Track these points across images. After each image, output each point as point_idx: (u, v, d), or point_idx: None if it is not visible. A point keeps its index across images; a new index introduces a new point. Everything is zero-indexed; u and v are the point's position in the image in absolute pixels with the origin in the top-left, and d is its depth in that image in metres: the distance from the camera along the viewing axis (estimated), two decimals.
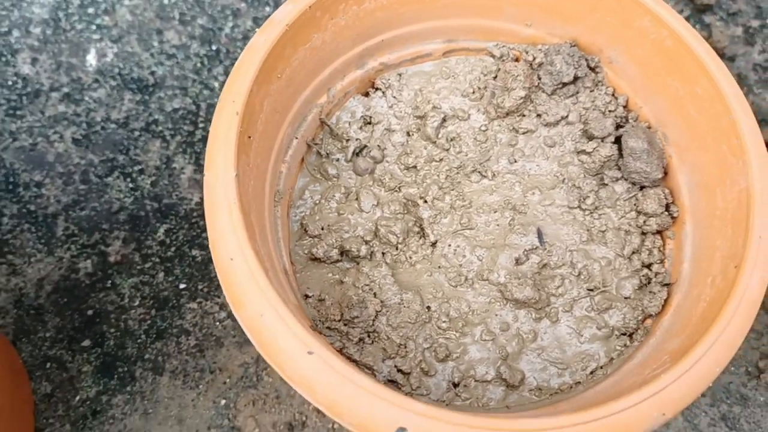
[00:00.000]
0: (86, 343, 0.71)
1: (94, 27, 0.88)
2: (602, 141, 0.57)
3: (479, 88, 0.61)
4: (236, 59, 0.87)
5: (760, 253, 0.44)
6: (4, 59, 0.86)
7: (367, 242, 0.56)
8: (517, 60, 0.61)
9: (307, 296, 0.54)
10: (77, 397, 0.68)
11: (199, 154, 0.81)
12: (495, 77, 0.61)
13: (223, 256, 0.43)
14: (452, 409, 0.38)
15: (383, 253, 0.56)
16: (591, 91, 0.59)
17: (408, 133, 0.61)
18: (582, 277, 0.54)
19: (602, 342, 0.52)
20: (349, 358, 0.50)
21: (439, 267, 0.55)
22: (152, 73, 0.86)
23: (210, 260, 0.76)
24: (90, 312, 0.73)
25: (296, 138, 0.58)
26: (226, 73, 0.86)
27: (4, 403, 0.58)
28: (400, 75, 0.63)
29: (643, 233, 0.55)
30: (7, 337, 0.69)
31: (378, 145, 0.60)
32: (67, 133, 0.82)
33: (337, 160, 0.60)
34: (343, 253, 0.55)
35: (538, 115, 0.59)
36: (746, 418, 0.70)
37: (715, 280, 0.47)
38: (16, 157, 0.80)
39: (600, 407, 0.37)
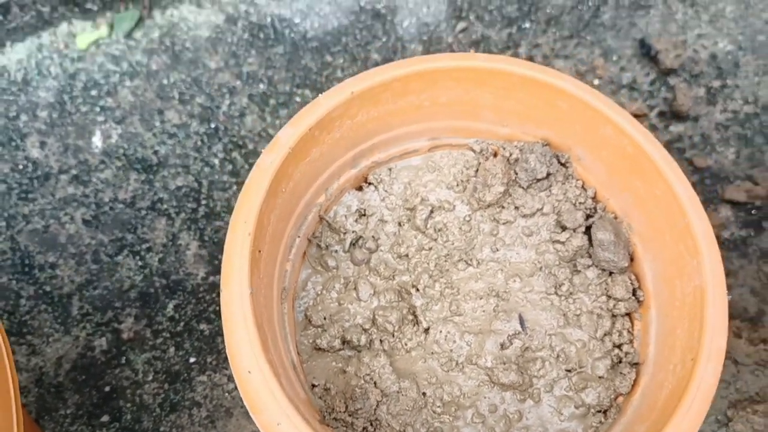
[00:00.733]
0: (105, 418, 0.76)
1: (98, 109, 0.94)
2: (574, 231, 0.63)
3: (462, 181, 0.67)
4: (234, 136, 0.93)
5: (713, 349, 0.50)
6: (14, 144, 0.91)
7: (365, 330, 0.62)
8: (495, 155, 0.67)
9: (313, 386, 0.59)
10: None
11: (203, 230, 0.87)
12: (476, 171, 0.67)
13: (241, 369, 0.49)
14: None
15: (381, 341, 0.61)
16: (562, 184, 0.65)
17: (399, 224, 0.67)
18: (560, 359, 0.60)
19: (580, 420, 0.58)
20: None
21: (432, 353, 0.61)
22: (155, 152, 0.91)
23: (217, 333, 0.81)
24: (107, 388, 0.78)
25: (299, 237, 0.64)
26: (225, 150, 0.92)
27: None
28: (390, 170, 0.69)
29: (614, 315, 0.61)
30: (31, 416, 0.74)
31: (372, 236, 0.66)
32: (77, 214, 0.87)
33: (336, 251, 0.66)
34: (345, 342, 0.61)
35: (516, 207, 0.65)
36: None
37: (676, 368, 0.53)
38: (31, 239, 0.85)
39: None
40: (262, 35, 1.00)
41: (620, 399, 0.59)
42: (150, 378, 0.79)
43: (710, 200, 0.91)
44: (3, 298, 0.82)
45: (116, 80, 0.96)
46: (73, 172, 0.90)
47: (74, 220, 0.87)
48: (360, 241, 0.67)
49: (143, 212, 0.88)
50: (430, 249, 0.66)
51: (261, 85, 0.98)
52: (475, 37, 1.00)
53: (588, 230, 0.64)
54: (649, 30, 1.01)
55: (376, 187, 0.68)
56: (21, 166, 0.90)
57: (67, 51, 0.97)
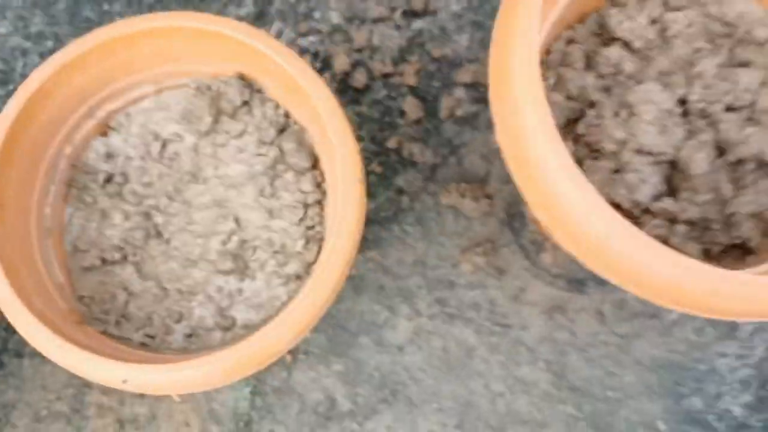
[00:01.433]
0: None
1: None
2: (271, 144, 0.80)
3: (186, 115, 0.82)
4: None
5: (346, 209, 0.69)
6: None
7: (121, 249, 0.79)
8: (209, 88, 0.82)
9: (82, 297, 0.78)
10: None
11: None
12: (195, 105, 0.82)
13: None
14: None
15: (134, 254, 0.79)
16: (261, 107, 0.81)
17: (142, 158, 0.83)
18: (269, 244, 0.78)
19: (284, 286, 0.78)
20: (111, 336, 0.75)
21: (172, 257, 0.79)
22: None
23: None
24: None
25: (53, 185, 0.80)
26: None
27: None
28: (127, 114, 0.84)
29: (306, 205, 0.79)
30: None
31: (121, 172, 0.82)
32: None
33: (93, 190, 0.82)
34: (103, 260, 0.79)
35: (227, 132, 0.81)
36: (456, 299, 0.98)
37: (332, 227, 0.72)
38: None
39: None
40: None
41: (311, 268, 0.78)
42: None
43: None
44: None
45: None
46: None
47: None
48: (112, 178, 0.83)
49: None
50: (168, 175, 0.82)
51: (49, 42, 1.09)
52: None
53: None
54: None
55: (117, 131, 0.83)
56: None
57: None
